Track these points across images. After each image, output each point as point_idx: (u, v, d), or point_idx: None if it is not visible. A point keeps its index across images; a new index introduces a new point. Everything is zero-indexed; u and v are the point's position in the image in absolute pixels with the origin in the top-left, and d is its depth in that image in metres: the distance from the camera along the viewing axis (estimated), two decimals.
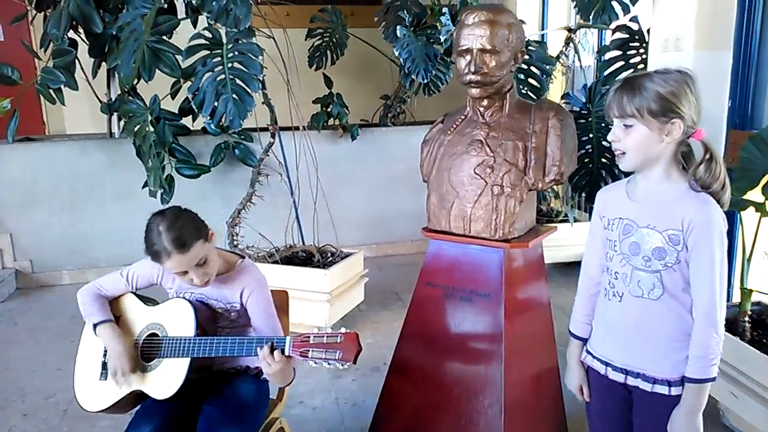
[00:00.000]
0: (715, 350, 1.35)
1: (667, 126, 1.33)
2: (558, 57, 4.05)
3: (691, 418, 1.37)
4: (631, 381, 1.44)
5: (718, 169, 1.35)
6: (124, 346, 1.66)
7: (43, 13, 3.90)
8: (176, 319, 1.65)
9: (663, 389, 1.40)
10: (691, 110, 1.34)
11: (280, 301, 1.92)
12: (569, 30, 4.12)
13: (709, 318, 1.34)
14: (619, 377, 1.47)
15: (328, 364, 1.47)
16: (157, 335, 1.68)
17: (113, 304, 1.77)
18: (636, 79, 1.37)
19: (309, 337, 1.49)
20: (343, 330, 1.49)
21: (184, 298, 1.70)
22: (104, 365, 1.71)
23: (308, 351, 1.48)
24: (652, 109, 1.32)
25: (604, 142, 3.30)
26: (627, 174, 1.51)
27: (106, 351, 1.71)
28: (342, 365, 1.46)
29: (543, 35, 4.87)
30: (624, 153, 1.39)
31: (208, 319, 1.70)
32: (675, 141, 1.36)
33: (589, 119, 3.39)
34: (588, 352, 1.56)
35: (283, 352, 1.52)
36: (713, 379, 1.36)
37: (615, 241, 1.45)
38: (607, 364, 1.49)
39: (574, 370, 1.60)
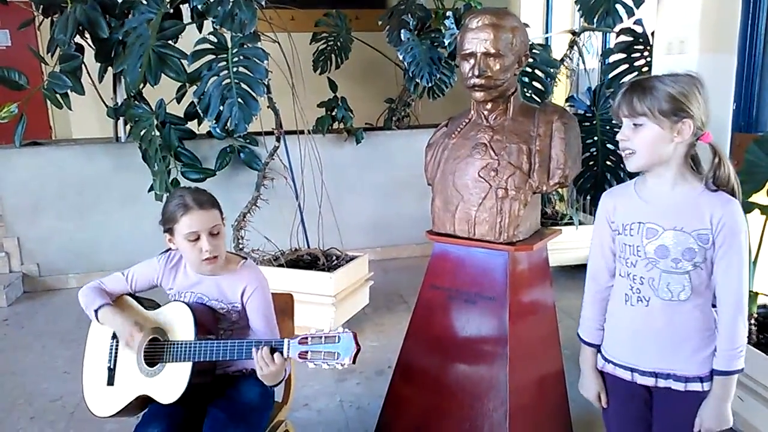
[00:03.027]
0: (743, 341, 1.39)
1: (678, 125, 1.35)
2: (562, 60, 4.05)
3: (723, 408, 1.40)
4: (662, 383, 1.44)
5: (726, 171, 1.38)
6: (128, 317, 1.68)
7: (50, 18, 3.94)
8: (176, 323, 1.66)
9: (696, 386, 1.42)
10: (701, 112, 1.36)
11: (285, 304, 1.92)
12: (573, 33, 4.13)
13: (739, 311, 1.38)
14: (648, 381, 1.46)
15: (327, 365, 1.47)
16: (158, 339, 1.68)
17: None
18: (646, 80, 1.39)
19: (307, 338, 1.49)
20: (340, 330, 1.49)
21: (182, 301, 1.70)
22: (110, 371, 1.72)
23: (307, 353, 1.48)
24: (663, 109, 1.34)
25: (608, 145, 3.29)
26: (631, 176, 1.51)
27: (111, 356, 1.72)
28: (341, 365, 1.46)
29: (547, 38, 4.87)
30: (632, 153, 1.40)
31: (209, 321, 1.71)
32: (685, 142, 1.37)
33: (594, 122, 3.39)
34: (607, 360, 1.53)
35: (282, 354, 1.52)
36: (742, 370, 1.39)
37: (637, 246, 1.43)
38: (633, 370, 1.48)
39: (590, 378, 1.57)
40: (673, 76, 1.36)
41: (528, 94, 3.51)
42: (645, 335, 1.45)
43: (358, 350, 1.47)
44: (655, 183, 1.43)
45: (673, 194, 1.40)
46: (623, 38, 3.19)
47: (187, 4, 3.42)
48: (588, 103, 3.48)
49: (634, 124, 1.38)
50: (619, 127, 1.43)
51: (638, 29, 3.15)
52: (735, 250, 1.36)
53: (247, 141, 4.08)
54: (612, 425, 1.60)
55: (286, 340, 1.53)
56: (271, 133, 3.72)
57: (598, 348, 1.56)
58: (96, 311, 1.71)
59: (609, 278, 1.53)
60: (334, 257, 3.50)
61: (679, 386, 1.42)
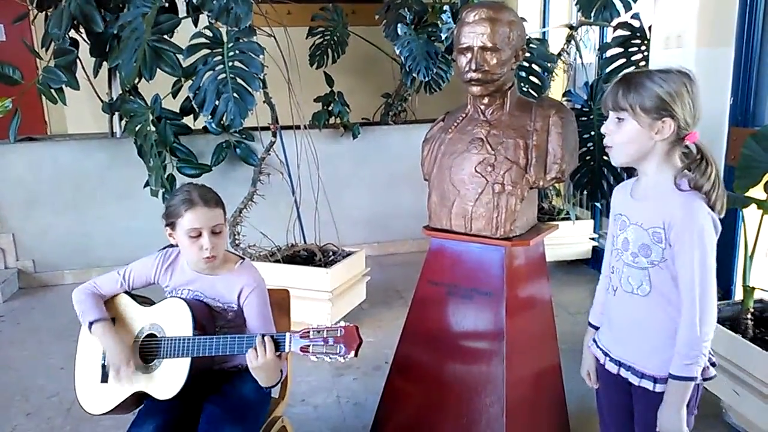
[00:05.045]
0: (697, 350, 1.34)
1: (658, 124, 1.35)
2: (559, 54, 4.04)
3: (673, 414, 1.38)
4: (623, 373, 1.48)
5: (709, 171, 1.35)
6: (121, 343, 1.66)
7: (44, 12, 3.90)
8: (173, 319, 1.65)
9: (648, 385, 1.43)
10: (686, 112, 1.34)
11: (282, 300, 1.92)
12: (571, 27, 4.11)
13: (691, 317, 1.34)
14: (613, 368, 1.51)
15: (329, 358, 1.46)
16: (155, 336, 1.67)
17: (109, 305, 1.76)
18: (636, 75, 1.39)
19: (309, 331, 1.49)
20: (342, 323, 1.49)
21: (180, 297, 1.69)
22: (104, 368, 1.70)
23: (309, 346, 1.48)
24: (645, 106, 1.34)
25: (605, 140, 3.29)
26: (628, 172, 1.52)
27: (104, 353, 1.71)
28: (343, 359, 1.46)
29: (544, 33, 4.86)
30: (612, 147, 1.42)
31: (206, 317, 1.70)
32: (666, 140, 1.37)
33: (591, 117, 3.39)
34: (594, 340, 1.61)
35: (279, 348, 1.52)
36: (693, 379, 1.36)
37: (614, 237, 1.50)
38: (606, 355, 1.54)
39: (585, 356, 1.65)
40: (664, 73, 1.35)
41: (525, 89, 3.50)
42: (614, 323, 1.52)
43: (360, 343, 1.47)
44: (642, 178, 1.45)
45: (650, 190, 1.42)
46: (620, 32, 3.17)
47: None
48: (585, 97, 3.47)
49: (618, 118, 1.39)
50: None
51: (636, 23, 3.14)
52: (686, 253, 1.32)
53: (243, 136, 4.07)
54: (599, 406, 1.66)
55: (287, 334, 1.52)
56: (267, 128, 3.70)
57: (597, 329, 1.63)
58: (90, 324, 1.69)
59: None
60: (331, 253, 3.49)
61: (634, 380, 1.45)
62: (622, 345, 1.49)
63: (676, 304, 1.38)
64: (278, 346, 1.53)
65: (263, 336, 1.53)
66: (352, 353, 1.45)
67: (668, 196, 1.37)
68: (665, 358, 1.38)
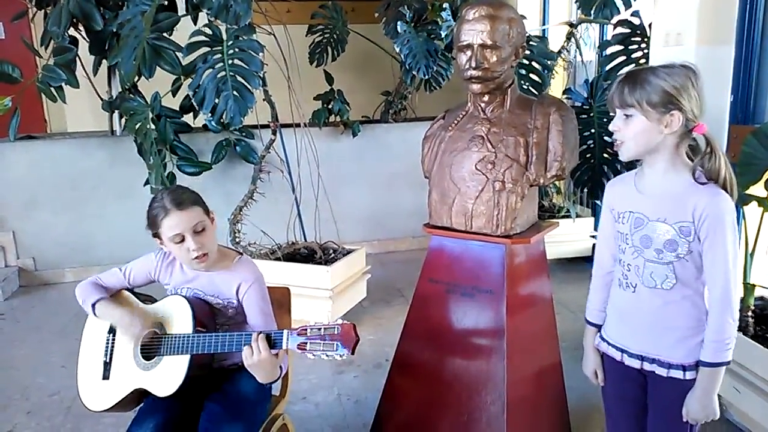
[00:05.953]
0: (731, 334, 1.39)
1: (666, 118, 1.36)
2: (559, 52, 4.03)
3: (707, 399, 1.41)
4: (647, 366, 1.48)
5: (720, 162, 1.38)
6: (128, 311, 1.68)
7: (43, 10, 3.91)
8: (174, 317, 1.66)
9: (678, 374, 1.44)
10: (692, 104, 1.36)
11: (282, 298, 1.92)
12: (570, 25, 4.11)
13: (725, 304, 1.38)
14: (635, 363, 1.50)
15: (327, 356, 1.46)
16: (156, 333, 1.68)
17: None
18: (640, 72, 1.40)
19: (306, 329, 1.49)
20: (339, 321, 1.49)
21: (180, 295, 1.70)
22: (106, 365, 1.71)
23: (306, 344, 1.48)
24: (652, 101, 1.35)
25: (605, 137, 3.29)
26: (630, 167, 1.52)
27: (107, 349, 1.72)
28: (340, 357, 1.46)
29: (544, 30, 4.86)
30: (622, 143, 1.43)
31: (206, 315, 1.70)
32: (675, 133, 1.38)
33: (591, 114, 3.38)
34: (603, 338, 1.59)
35: (276, 345, 1.52)
36: (728, 363, 1.39)
37: (627, 234, 1.48)
38: (623, 351, 1.53)
39: (590, 355, 1.65)
40: (668, 68, 1.37)
41: (525, 87, 3.49)
42: (633, 319, 1.51)
43: (357, 341, 1.47)
44: (649, 173, 1.46)
45: (663, 185, 1.43)
46: (620, 30, 3.17)
47: None
48: (585, 95, 3.47)
49: (626, 115, 1.40)
50: None
51: (636, 21, 3.13)
52: (720, 243, 1.36)
53: (243, 134, 4.07)
54: (608, 403, 1.65)
55: (285, 331, 1.52)
56: (267, 126, 3.70)
57: (599, 328, 1.62)
58: (93, 305, 1.71)
59: (612, 263, 1.57)
60: (331, 250, 3.49)
61: (662, 371, 1.45)
62: (645, 339, 1.48)
63: (700, 292, 1.42)
64: (275, 343, 1.53)
65: (258, 333, 1.53)
66: (349, 351, 1.45)
67: (690, 190, 1.38)
68: (691, 345, 1.42)
